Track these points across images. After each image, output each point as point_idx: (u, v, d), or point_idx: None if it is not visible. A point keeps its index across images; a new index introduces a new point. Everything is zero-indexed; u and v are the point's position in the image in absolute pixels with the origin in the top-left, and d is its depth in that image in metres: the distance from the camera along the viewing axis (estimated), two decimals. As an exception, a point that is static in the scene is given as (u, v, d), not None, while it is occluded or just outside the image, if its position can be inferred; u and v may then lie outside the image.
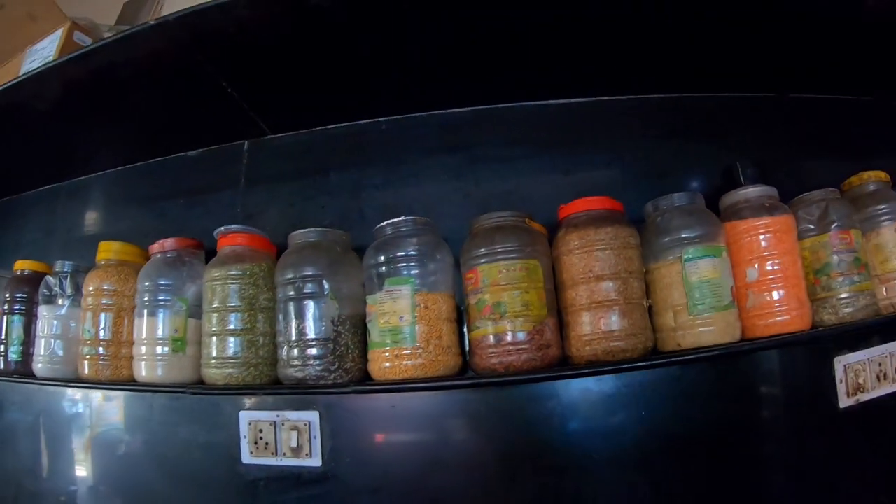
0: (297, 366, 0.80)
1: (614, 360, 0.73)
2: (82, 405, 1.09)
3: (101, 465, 1.06)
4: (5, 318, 1.12)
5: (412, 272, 0.77)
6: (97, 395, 1.09)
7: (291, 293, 0.83)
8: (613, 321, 0.74)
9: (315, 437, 0.88)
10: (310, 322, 0.81)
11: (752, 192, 0.87)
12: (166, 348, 0.92)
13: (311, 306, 0.81)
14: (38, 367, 1.04)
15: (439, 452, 0.84)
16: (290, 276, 0.83)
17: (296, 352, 0.81)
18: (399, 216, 0.80)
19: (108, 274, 1.01)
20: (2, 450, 1.18)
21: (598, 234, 0.75)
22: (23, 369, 1.08)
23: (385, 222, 0.82)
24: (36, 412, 1.15)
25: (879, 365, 1.00)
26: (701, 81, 0.96)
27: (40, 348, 1.05)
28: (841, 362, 0.96)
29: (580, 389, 0.81)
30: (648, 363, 0.75)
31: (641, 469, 0.83)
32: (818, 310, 0.88)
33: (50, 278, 1.09)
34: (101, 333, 0.98)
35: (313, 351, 0.80)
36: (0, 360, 1.11)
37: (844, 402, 0.95)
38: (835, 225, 0.90)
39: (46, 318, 1.06)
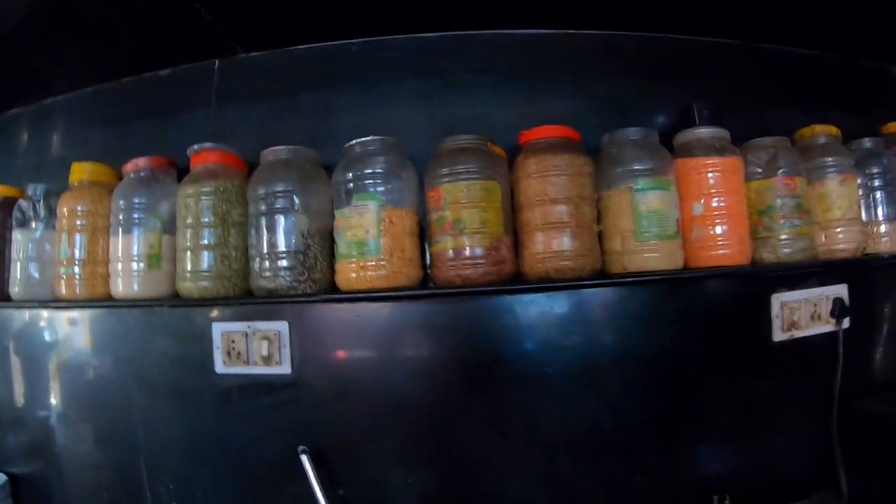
0: (268, 277, 0.85)
1: (563, 277, 0.80)
2: (59, 326, 1.13)
3: (79, 382, 1.11)
4: (-23, 245, 1.13)
5: (378, 189, 0.82)
6: (74, 315, 1.13)
7: (263, 208, 0.86)
8: (564, 242, 0.80)
9: (284, 346, 0.94)
10: (280, 235, 0.85)
11: (704, 132, 0.92)
12: (142, 264, 0.96)
13: (281, 220, 0.85)
14: (15, 290, 1.07)
15: (402, 360, 0.92)
16: (262, 191, 0.87)
17: (267, 263, 0.85)
18: (368, 136, 0.83)
19: (81, 195, 1.03)
20: None
21: (554, 160, 0.80)
22: None
23: (354, 141, 0.85)
24: (13, 335, 1.17)
25: (815, 306, 1.09)
26: (669, 22, 0.99)
27: (16, 272, 1.07)
28: (778, 299, 1.05)
29: (533, 305, 0.88)
30: (595, 282, 0.81)
31: (589, 382, 0.91)
32: (758, 248, 0.96)
33: (23, 202, 1.10)
34: (77, 253, 1.01)
35: (283, 263, 0.84)
36: (-25, 287, 1.12)
37: (779, 336, 1.05)
38: (781, 171, 0.97)
39: (21, 241, 1.07)
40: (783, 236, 0.95)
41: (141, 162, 1.00)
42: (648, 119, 0.98)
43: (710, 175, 0.90)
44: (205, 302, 0.89)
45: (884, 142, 1.13)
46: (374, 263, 0.80)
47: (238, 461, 0.98)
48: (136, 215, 0.97)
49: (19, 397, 1.17)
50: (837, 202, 1.02)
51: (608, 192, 0.85)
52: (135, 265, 0.96)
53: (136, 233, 0.97)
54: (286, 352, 0.94)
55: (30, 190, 1.09)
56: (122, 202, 0.98)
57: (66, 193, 1.04)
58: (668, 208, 0.84)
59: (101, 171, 1.06)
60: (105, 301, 0.98)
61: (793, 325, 1.06)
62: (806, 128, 1.06)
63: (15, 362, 1.17)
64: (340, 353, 0.93)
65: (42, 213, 1.08)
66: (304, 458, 0.87)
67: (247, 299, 0.87)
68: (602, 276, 0.83)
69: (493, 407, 0.90)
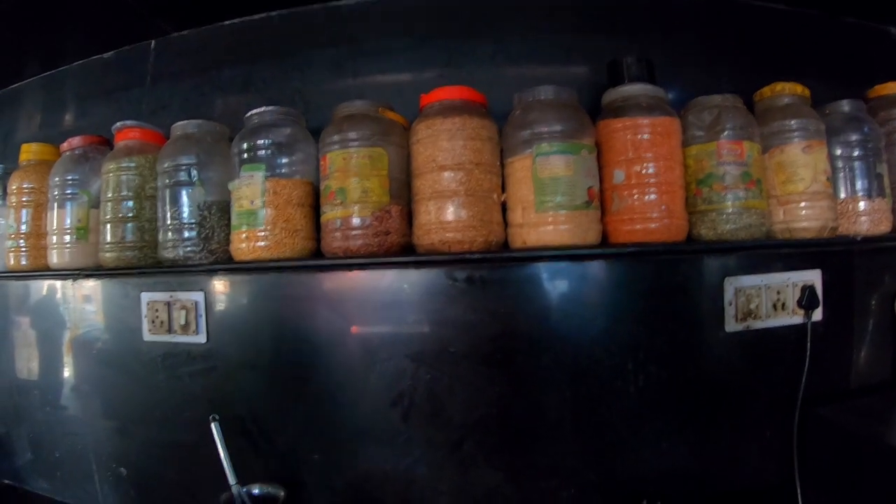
0: (169, 247, 0.88)
1: (449, 251, 0.76)
2: (17, 296, 1.21)
3: (28, 350, 1.19)
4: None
5: (265, 159, 0.81)
6: (22, 285, 1.20)
7: (167, 181, 0.89)
8: (451, 212, 0.76)
9: (200, 316, 0.97)
10: (179, 207, 0.86)
11: (630, 89, 0.84)
12: (73, 237, 1.01)
13: (181, 193, 0.87)
14: None
15: (304, 332, 0.92)
16: (166, 165, 0.89)
17: (170, 234, 0.88)
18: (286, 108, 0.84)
19: (27, 173, 1.11)
20: None
21: (444, 123, 0.76)
22: None
23: (252, 111, 0.85)
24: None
25: (778, 293, 0.97)
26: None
27: None
28: (732, 284, 0.94)
29: (424, 280, 0.85)
30: (477, 257, 0.76)
31: (499, 367, 0.86)
32: (696, 223, 0.87)
33: None
34: (23, 227, 1.10)
35: (183, 234, 0.86)
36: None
37: (732, 326, 0.93)
38: (725, 134, 0.86)
39: None
40: (724, 210, 0.85)
41: (75, 141, 1.06)
42: (577, 78, 0.90)
43: (635, 137, 0.82)
44: (116, 271, 0.92)
45: (867, 106, 0.99)
46: (259, 234, 0.79)
47: (165, 426, 1.02)
48: (69, 191, 1.03)
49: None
50: (800, 172, 0.90)
51: (511, 159, 0.80)
52: (67, 237, 1.02)
53: (68, 207, 1.02)
54: (202, 321, 0.97)
55: None
56: (57, 179, 1.04)
57: (15, 172, 1.12)
58: (576, 175, 0.77)
59: (46, 151, 1.13)
60: (44, 270, 1.04)
61: (749, 314, 0.95)
62: (766, 87, 0.94)
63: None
64: (249, 324, 0.95)
65: None
66: (214, 426, 0.88)
67: (155, 267, 0.90)
68: (499, 250, 0.78)
69: (392, 383, 0.87)
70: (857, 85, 1.01)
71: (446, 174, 0.76)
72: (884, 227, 0.95)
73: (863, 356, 1.00)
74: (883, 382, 1.00)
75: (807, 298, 0.95)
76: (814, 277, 0.97)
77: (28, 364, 1.20)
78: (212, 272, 0.91)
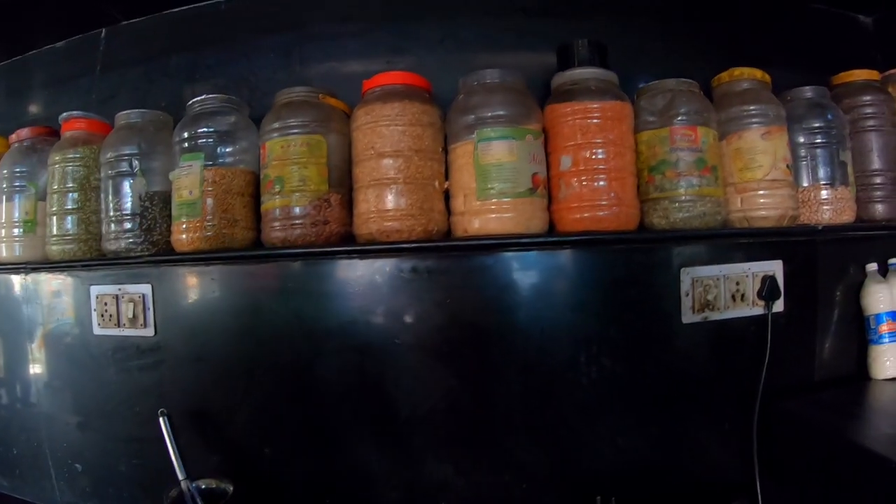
0: (112, 239, 0.87)
1: (388, 240, 0.75)
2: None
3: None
4: None
5: (205, 148, 0.80)
6: None
7: (109, 171, 0.88)
8: (389, 200, 0.75)
9: (148, 309, 0.96)
10: (121, 198, 0.86)
11: (580, 73, 0.83)
12: (21, 230, 1.00)
13: (122, 183, 0.86)
14: None
15: (247, 324, 0.91)
16: (109, 155, 0.88)
17: (112, 226, 0.87)
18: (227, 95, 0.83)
19: None
20: None
21: (383, 109, 0.75)
22: None
23: (193, 100, 0.83)
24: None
25: (737, 284, 0.95)
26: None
27: None
28: (689, 274, 0.93)
29: (369, 271, 0.83)
30: (414, 246, 0.75)
31: (444, 358, 0.85)
32: (648, 211, 0.85)
33: None
34: None
35: (124, 225, 0.85)
36: None
37: (689, 317, 0.92)
38: (679, 119, 0.85)
39: None
40: (677, 197, 0.84)
41: (23, 132, 1.05)
42: (529, 65, 0.88)
43: (583, 122, 0.80)
44: (63, 264, 0.92)
45: (831, 93, 0.98)
46: (198, 224, 0.78)
47: (115, 420, 1.02)
48: (17, 184, 1.02)
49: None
50: (758, 159, 0.89)
51: (454, 145, 0.79)
52: (16, 231, 1.01)
53: (16, 200, 1.01)
54: (150, 314, 0.96)
55: None
56: (5, 171, 1.03)
57: None
58: (519, 161, 0.76)
59: None
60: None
61: (707, 305, 0.93)
62: (725, 71, 0.93)
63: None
64: (195, 317, 0.94)
65: None
66: (162, 421, 0.88)
67: (93, 260, 0.90)
68: (439, 238, 0.77)
69: (339, 376, 0.87)
70: (824, 72, 1.00)
71: (385, 161, 0.75)
72: (847, 217, 0.94)
73: (827, 348, 0.99)
74: (848, 375, 0.99)
75: (767, 289, 0.94)
76: (775, 268, 0.95)
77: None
78: (157, 264, 0.90)
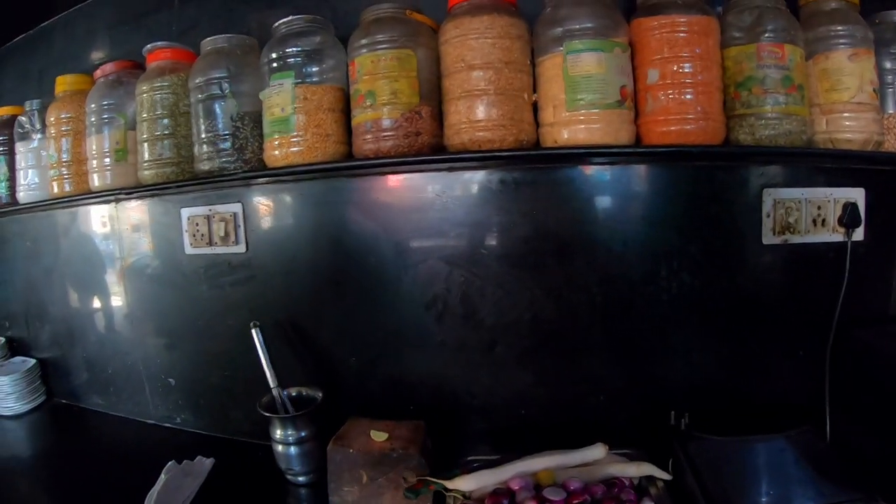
0: (205, 160, 0.94)
1: (480, 149, 0.78)
2: (60, 224, 1.31)
3: (80, 272, 1.30)
4: (-8, 159, 1.33)
5: (295, 67, 0.85)
6: (69, 212, 1.30)
7: (199, 96, 0.94)
8: (481, 111, 0.78)
9: (239, 227, 1.04)
10: (213, 120, 0.92)
11: (668, -15, 0.83)
12: (112, 159, 1.08)
13: (214, 106, 0.92)
14: (20, 195, 1.28)
15: (338, 237, 0.98)
16: (198, 80, 0.94)
17: (205, 147, 0.94)
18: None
19: (64, 104, 1.18)
20: (14, 276, 1.44)
21: (472, 22, 0.78)
22: (11, 201, 1.31)
23: (279, 21, 0.88)
24: (29, 237, 1.37)
25: (819, 208, 0.96)
26: None
27: (20, 179, 1.28)
28: (771, 195, 0.94)
29: (457, 182, 0.88)
30: (508, 153, 0.78)
31: (529, 269, 0.90)
32: (734, 127, 0.86)
33: (21, 118, 1.28)
34: (64, 156, 1.18)
35: (218, 145, 0.92)
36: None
37: (770, 238, 0.94)
38: (766, 35, 0.85)
39: (22, 152, 1.28)
40: (764, 114, 0.85)
41: (108, 67, 1.12)
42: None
43: (671, 36, 0.81)
44: (155, 187, 0.99)
45: (922, 19, 0.95)
46: (291, 139, 0.84)
47: (207, 335, 1.12)
48: (105, 116, 1.10)
49: (40, 293, 1.38)
50: (845, 81, 0.88)
51: (542, 58, 0.81)
52: (107, 160, 1.09)
53: (105, 131, 1.09)
54: (241, 232, 1.04)
55: (27, 106, 1.28)
56: (93, 105, 1.11)
57: (52, 104, 1.20)
58: (608, 73, 0.78)
59: (80, 81, 1.20)
60: (87, 194, 1.12)
61: (788, 227, 0.95)
62: (813, -10, 0.91)
63: (35, 261, 1.39)
64: (284, 232, 1.01)
65: (38, 125, 1.26)
66: (254, 332, 0.96)
67: (193, 181, 0.96)
68: (529, 149, 0.80)
69: (426, 286, 0.93)
70: None
71: (475, 73, 0.78)
72: None
73: None
74: None
75: (848, 216, 0.94)
76: (857, 195, 0.95)
77: (79, 288, 1.31)
78: (248, 183, 0.97)
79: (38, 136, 1.25)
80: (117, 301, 1.24)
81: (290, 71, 0.85)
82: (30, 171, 1.26)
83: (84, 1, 1.29)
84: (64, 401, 1.40)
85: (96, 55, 1.26)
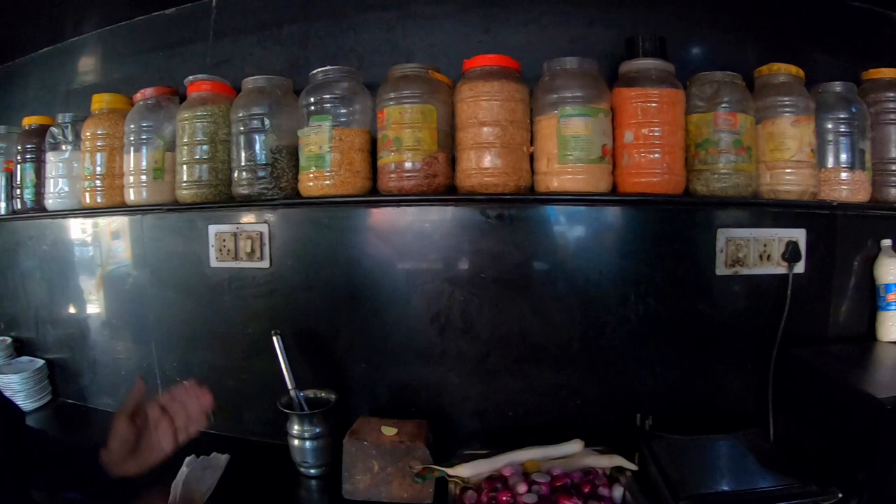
0: (244, 185, 1.10)
1: (486, 192, 0.98)
2: (86, 231, 1.43)
3: (102, 278, 1.42)
4: (19, 166, 1.45)
5: (331, 111, 1.03)
6: (99, 221, 1.43)
7: (241, 128, 1.10)
8: (488, 160, 0.97)
9: (265, 245, 1.20)
10: (253, 151, 1.08)
11: (642, 63, 1.05)
12: (149, 176, 1.23)
13: (255, 138, 1.08)
14: (49, 202, 1.39)
15: (356, 258, 1.15)
16: (241, 114, 1.10)
17: (244, 174, 1.10)
18: (337, 65, 1.05)
19: (101, 120, 1.32)
20: (25, 279, 1.55)
21: (485, 87, 0.97)
22: (37, 207, 1.43)
23: (316, 70, 1.06)
24: (49, 242, 1.49)
25: (765, 245, 1.18)
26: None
27: (50, 187, 1.39)
28: (724, 234, 1.16)
29: (463, 216, 1.09)
30: (511, 197, 0.99)
31: (521, 292, 1.09)
32: (693, 180, 1.08)
33: (54, 129, 1.41)
34: (98, 169, 1.31)
35: (258, 173, 1.08)
36: (17, 202, 1.46)
37: (722, 270, 1.16)
38: (723, 105, 1.06)
39: (53, 162, 1.39)
40: (717, 170, 1.07)
41: (148, 91, 1.27)
42: (600, 49, 1.10)
43: (644, 105, 1.02)
44: (193, 206, 1.15)
45: (858, 88, 1.18)
46: (326, 174, 1.01)
47: (226, 341, 1.27)
48: (143, 136, 1.24)
49: (55, 295, 1.50)
50: (787, 143, 1.10)
51: (539, 117, 1.01)
52: (143, 177, 1.23)
53: (143, 151, 1.24)
54: (266, 249, 1.21)
55: (59, 118, 1.40)
56: (132, 126, 1.25)
57: (88, 120, 1.33)
58: (593, 134, 0.99)
59: (117, 100, 1.34)
60: (120, 207, 1.27)
61: (738, 261, 1.17)
62: (765, 65, 1.14)
63: (50, 265, 1.50)
64: (308, 251, 1.18)
65: (70, 137, 1.38)
66: (275, 339, 1.11)
67: (228, 202, 1.13)
68: (525, 192, 1.00)
69: (431, 303, 1.12)
70: (858, 64, 1.18)
71: (485, 129, 0.97)
72: (862, 196, 1.13)
73: (841, 310, 1.19)
74: (858, 335, 1.19)
75: (790, 252, 1.16)
76: (798, 235, 1.17)
77: (101, 293, 1.44)
78: (274, 207, 1.14)
79: (69, 147, 1.38)
80: (137, 306, 1.37)
81: (327, 115, 1.02)
82: (60, 180, 1.37)
83: (115, 23, 1.43)
84: (70, 400, 1.51)
85: (128, 76, 1.40)
